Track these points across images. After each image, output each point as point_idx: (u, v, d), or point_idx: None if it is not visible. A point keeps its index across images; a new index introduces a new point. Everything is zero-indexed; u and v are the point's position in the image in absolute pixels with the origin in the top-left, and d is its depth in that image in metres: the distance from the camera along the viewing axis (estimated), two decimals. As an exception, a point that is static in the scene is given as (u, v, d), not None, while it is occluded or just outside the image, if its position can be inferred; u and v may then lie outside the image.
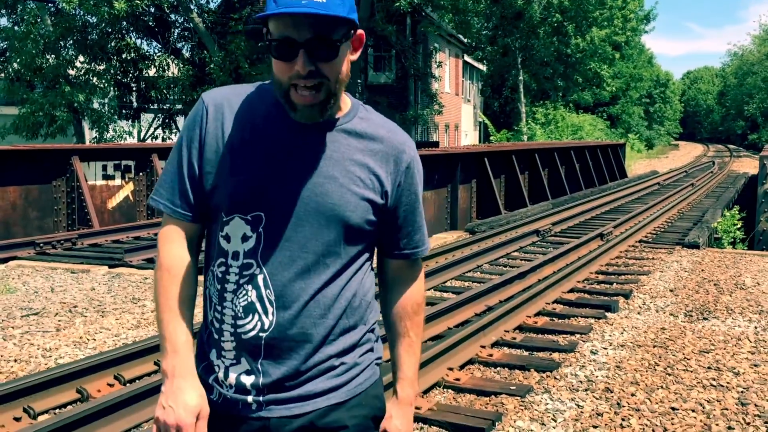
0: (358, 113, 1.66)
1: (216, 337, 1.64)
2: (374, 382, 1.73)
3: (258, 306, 1.59)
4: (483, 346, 5.52)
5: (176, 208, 1.64)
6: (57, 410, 4.30)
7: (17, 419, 4.09)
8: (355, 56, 1.61)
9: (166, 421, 1.56)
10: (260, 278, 1.59)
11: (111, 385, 4.63)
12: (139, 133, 24.08)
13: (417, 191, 1.73)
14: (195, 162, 1.62)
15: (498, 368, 5.20)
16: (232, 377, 1.61)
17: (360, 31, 1.59)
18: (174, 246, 1.65)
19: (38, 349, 5.61)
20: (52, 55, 21.77)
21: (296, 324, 1.59)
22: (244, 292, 1.59)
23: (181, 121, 26.65)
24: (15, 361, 5.32)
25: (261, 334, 1.59)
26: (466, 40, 36.74)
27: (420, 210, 1.76)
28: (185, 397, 1.57)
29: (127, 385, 4.65)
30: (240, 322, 1.60)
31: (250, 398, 1.61)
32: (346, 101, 1.66)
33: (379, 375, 1.75)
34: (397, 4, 21.43)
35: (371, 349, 1.74)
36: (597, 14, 39.87)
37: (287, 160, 1.58)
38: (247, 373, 1.61)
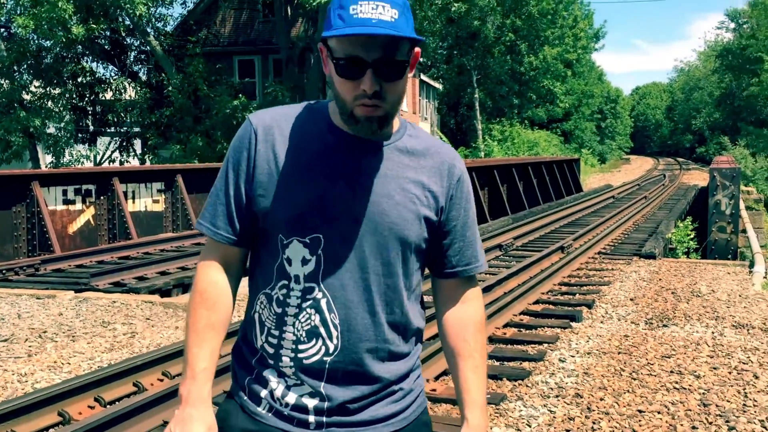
0: (407, 131, 1.67)
1: (271, 361, 1.62)
2: (424, 408, 1.73)
3: (322, 330, 1.57)
4: (455, 358, 5.67)
5: (218, 230, 1.63)
6: (39, 434, 4.32)
7: (0, 444, 4.10)
8: (411, 73, 1.60)
9: None
10: (323, 302, 1.57)
11: (92, 407, 4.65)
12: (95, 156, 23.82)
13: (468, 205, 1.71)
14: (242, 185, 1.61)
15: (471, 378, 5.35)
16: (292, 397, 1.60)
17: (417, 49, 1.58)
18: (211, 270, 1.65)
19: (13, 374, 5.59)
20: (6, 81, 21.50)
21: (360, 347, 1.58)
22: (307, 316, 1.57)
23: (138, 144, 26.46)
24: (-10, 387, 5.30)
25: (325, 359, 1.57)
26: (421, 59, 37.24)
27: (471, 225, 1.72)
28: (192, 426, 1.58)
29: (108, 406, 4.68)
30: (302, 347, 1.58)
31: (311, 418, 1.60)
32: (396, 120, 1.65)
33: (426, 401, 1.76)
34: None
35: (420, 373, 1.74)
36: (549, 33, 40.80)
37: (342, 181, 1.57)
38: (311, 395, 1.59)
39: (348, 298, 1.57)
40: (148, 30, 23.38)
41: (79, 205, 12.89)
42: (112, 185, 13.30)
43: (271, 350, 1.61)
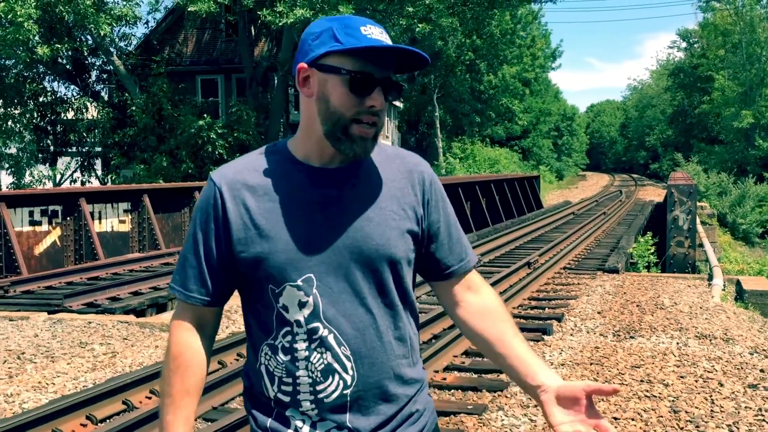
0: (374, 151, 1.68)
1: (289, 406, 1.61)
2: (436, 425, 1.75)
3: (336, 366, 1.57)
4: (436, 371, 5.85)
5: (191, 293, 1.63)
6: (34, 453, 4.37)
7: (-3, 463, 4.15)
8: None
9: None
10: (331, 338, 1.56)
11: (84, 425, 4.72)
12: (55, 177, 23.56)
13: (445, 204, 1.72)
14: (213, 245, 1.60)
15: (452, 390, 5.54)
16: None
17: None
18: (183, 333, 1.64)
19: (-2, 396, 5.61)
20: (-34, 101, 21.24)
21: (375, 371, 1.59)
22: (319, 356, 1.57)
23: (99, 164, 26.21)
24: (-23, 408, 5.32)
25: (345, 392, 1.57)
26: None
27: (454, 222, 1.73)
28: None
29: (100, 424, 4.75)
30: (320, 387, 1.58)
31: None
32: None
33: (436, 416, 1.78)
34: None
35: (427, 391, 1.75)
36: (507, 52, 41.58)
37: (320, 214, 1.57)
38: (338, 428, 1.59)
39: (353, 327, 1.57)
40: (111, 50, 23.29)
41: (45, 226, 12.79)
42: (78, 206, 13.23)
43: (287, 398, 1.61)
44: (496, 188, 22.39)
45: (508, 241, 15.65)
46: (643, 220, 21.58)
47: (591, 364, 6.26)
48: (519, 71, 47.97)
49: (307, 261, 1.56)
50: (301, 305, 1.56)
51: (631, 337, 7.26)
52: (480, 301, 1.73)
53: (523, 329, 7.55)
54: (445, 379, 5.73)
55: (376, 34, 1.53)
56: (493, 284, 9.56)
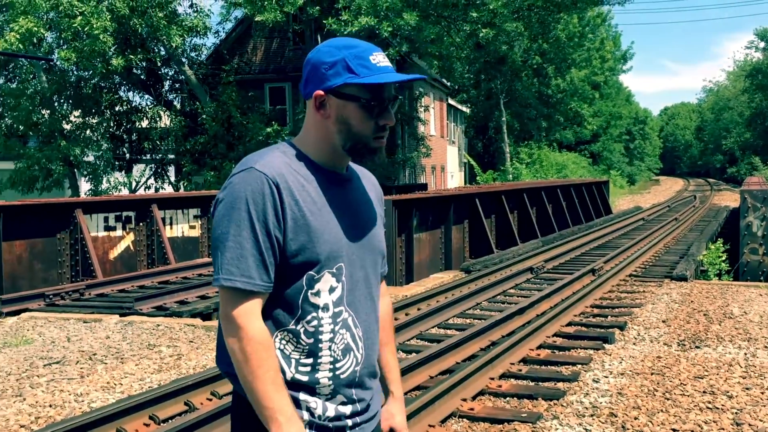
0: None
1: (306, 385, 1.77)
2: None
3: (352, 345, 1.80)
4: (492, 378, 5.84)
5: (254, 281, 1.70)
6: (100, 450, 4.57)
7: (65, 459, 4.36)
8: None
9: None
10: (350, 320, 1.80)
11: (147, 425, 4.91)
12: (131, 183, 24.43)
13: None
14: (273, 234, 1.71)
15: (508, 398, 5.53)
16: (332, 409, 1.79)
17: None
18: (257, 320, 1.71)
19: (69, 394, 5.87)
20: (48, 111, 22.20)
21: (373, 351, 1.88)
22: (341, 337, 1.78)
23: (172, 171, 27.02)
24: (50, 406, 5.58)
25: (356, 369, 1.81)
26: (449, 84, 37.60)
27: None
28: None
29: (162, 424, 4.93)
30: (339, 365, 1.78)
31: (349, 422, 1.82)
32: None
33: None
34: (386, 53, 22.09)
35: None
36: (576, 56, 40.96)
37: (344, 212, 1.81)
38: (343, 404, 1.80)
39: (364, 311, 1.84)
40: (183, 60, 24.00)
41: (119, 232, 13.28)
42: (150, 212, 13.68)
43: (304, 378, 1.76)
44: (563, 194, 22.07)
45: (573, 248, 15.42)
46: (717, 226, 20.92)
47: (652, 374, 6.14)
48: (588, 74, 47.14)
49: (340, 252, 1.78)
50: (331, 290, 1.77)
51: (696, 347, 7.08)
52: (385, 306, 2.05)
53: (583, 337, 7.46)
54: (500, 386, 5.71)
55: (383, 62, 1.78)
56: (555, 291, 9.47)
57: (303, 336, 1.75)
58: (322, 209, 1.77)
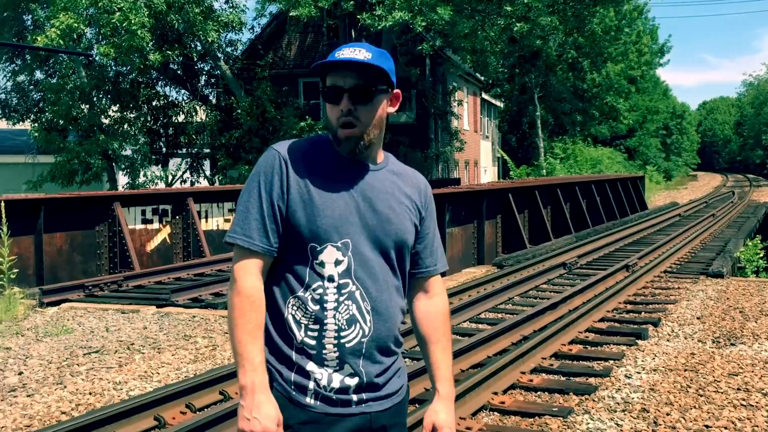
0: (390, 161, 2.10)
1: (313, 352, 1.91)
2: (407, 385, 2.13)
3: (359, 317, 1.92)
4: (523, 372, 5.86)
5: (253, 241, 1.92)
6: (138, 436, 4.70)
7: (105, 444, 4.49)
8: (392, 110, 2.03)
9: (253, 430, 1.84)
10: (357, 293, 1.93)
11: (183, 413, 5.02)
12: (167, 177, 24.77)
13: (433, 218, 2.14)
14: (276, 203, 1.93)
15: (539, 392, 5.54)
16: (337, 381, 1.91)
17: (397, 90, 2.02)
18: (251, 277, 1.91)
19: (108, 382, 6.02)
20: (87, 105, 22.61)
21: (385, 327, 1.97)
22: (346, 307, 1.91)
23: (207, 165, 27.34)
24: (90, 394, 5.74)
25: (363, 340, 1.93)
26: (483, 78, 37.42)
27: (437, 234, 2.16)
28: (266, 409, 1.85)
29: (198, 412, 5.04)
30: (344, 333, 1.91)
31: (355, 397, 1.93)
32: (381, 152, 2.07)
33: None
34: (420, 47, 22.11)
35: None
36: (611, 50, 40.49)
37: (359, 196, 1.96)
38: (351, 375, 1.92)
39: (375, 288, 1.94)
40: (219, 55, 24.25)
41: (156, 224, 13.50)
42: (186, 205, 13.88)
43: (312, 342, 1.91)
44: (597, 189, 21.88)
45: (607, 243, 15.31)
46: (755, 222, 20.58)
47: (685, 370, 6.10)
48: (624, 68, 46.57)
49: (347, 229, 1.92)
50: (337, 263, 1.92)
51: (732, 344, 7.01)
52: (431, 304, 2.15)
53: (616, 333, 7.43)
54: (531, 380, 5.73)
55: (345, 54, 1.91)
56: (588, 287, 9.43)
57: (310, 303, 1.91)
58: (331, 189, 1.93)
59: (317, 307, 1.91)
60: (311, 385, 1.91)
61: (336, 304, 1.91)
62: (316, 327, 1.90)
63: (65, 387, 5.95)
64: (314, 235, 1.91)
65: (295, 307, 1.92)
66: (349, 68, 1.91)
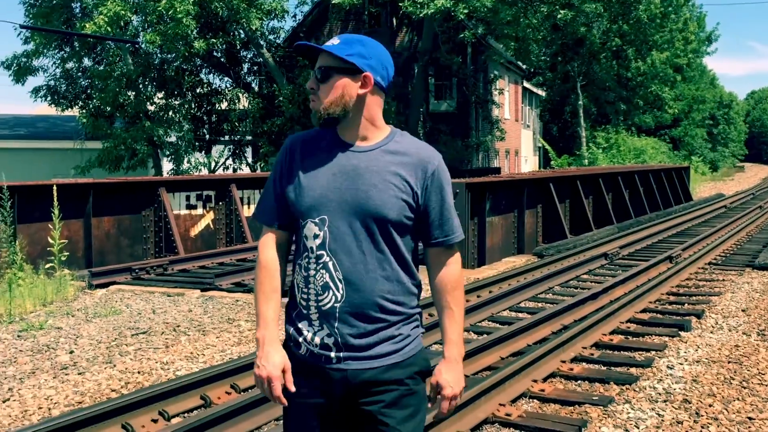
0: (395, 138, 2.24)
1: (305, 312, 2.20)
2: (421, 348, 2.29)
3: (331, 284, 2.15)
4: (563, 361, 5.87)
5: (264, 216, 2.29)
6: (186, 414, 4.84)
7: (154, 421, 4.64)
8: (363, 91, 2.18)
9: (261, 375, 2.18)
10: (330, 264, 2.15)
11: (228, 393, 5.15)
12: (210, 164, 25.13)
13: (443, 193, 2.24)
14: (278, 187, 2.26)
15: (579, 381, 5.55)
16: (318, 339, 2.17)
17: (366, 73, 2.17)
18: (268, 249, 2.27)
19: (156, 362, 6.19)
20: (133, 92, 23.02)
21: (359, 295, 2.15)
22: (321, 275, 2.16)
23: (249, 152, 27.65)
24: (138, 373, 5.91)
25: (336, 305, 2.15)
26: (524, 67, 37.08)
27: (448, 206, 2.25)
28: (273, 358, 2.18)
29: (242, 393, 5.16)
30: (320, 298, 2.16)
31: (332, 354, 2.16)
32: (385, 130, 2.24)
33: (422, 345, 2.31)
34: (462, 35, 22.01)
35: (418, 325, 2.29)
36: (657, 37, 39.72)
37: (342, 176, 2.17)
38: (328, 335, 2.16)
39: (347, 260, 2.14)
40: (261, 43, 24.44)
41: (200, 210, 13.73)
42: (229, 191, 14.09)
43: (304, 302, 2.20)
44: (641, 179, 21.57)
45: (650, 234, 15.12)
46: (804, 215, 20.09)
47: (729, 362, 6.05)
48: (670, 57, 45.65)
49: (325, 206, 2.16)
50: (315, 237, 2.17)
51: (777, 338, 6.91)
52: (444, 272, 2.30)
53: (658, 324, 7.38)
54: (572, 369, 5.74)
55: (329, 42, 2.20)
56: (630, 278, 9.35)
57: (302, 269, 2.20)
58: (319, 170, 2.19)
59: (305, 273, 2.19)
60: (301, 339, 2.20)
61: (315, 272, 2.16)
62: (306, 291, 2.19)
63: (114, 366, 6.14)
64: (299, 212, 2.19)
65: (296, 273, 2.22)
66: (318, 53, 2.19)
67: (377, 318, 2.17)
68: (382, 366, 2.18)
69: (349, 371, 2.16)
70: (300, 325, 2.20)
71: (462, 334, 2.29)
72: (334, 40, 2.19)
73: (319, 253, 2.16)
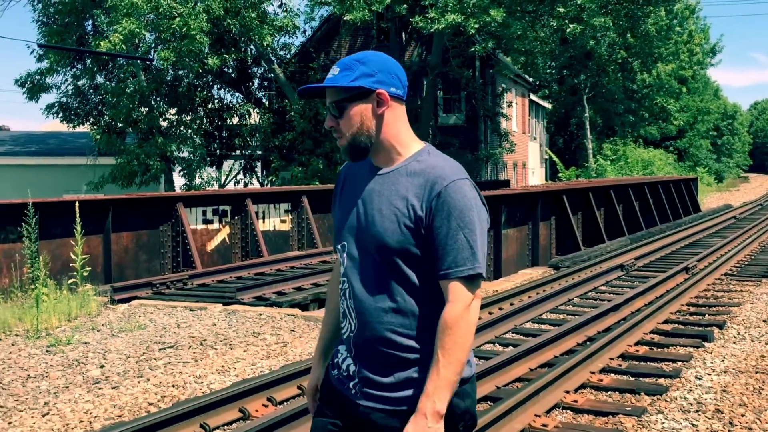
0: (418, 157, 2.07)
1: (344, 336, 2.21)
2: None
3: (347, 312, 2.13)
4: (592, 372, 5.94)
5: (334, 243, 2.26)
6: (225, 427, 4.91)
7: (196, 434, 4.71)
8: (381, 110, 2.06)
9: (305, 388, 2.50)
10: (347, 291, 2.13)
11: (266, 406, 5.22)
12: (221, 178, 25.28)
13: (449, 218, 1.96)
14: (334, 214, 2.28)
15: (609, 392, 5.61)
16: (344, 365, 2.16)
17: (379, 90, 2.04)
18: (336, 269, 2.31)
19: (189, 376, 6.27)
20: (145, 108, 23.21)
21: (368, 327, 2.05)
22: (342, 301, 2.16)
23: (259, 166, 27.79)
24: (173, 386, 5.98)
25: (350, 335, 2.12)
26: (531, 80, 37.26)
27: (453, 234, 1.95)
28: (311, 375, 2.37)
29: (279, 405, 5.24)
30: (342, 325, 2.18)
31: (351, 384, 2.11)
32: (412, 147, 2.09)
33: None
34: (473, 49, 22.17)
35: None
36: (662, 49, 39.92)
37: (362, 201, 2.11)
38: (353, 364, 2.13)
39: (358, 287, 2.07)
40: (272, 58, 24.64)
41: (216, 225, 13.83)
42: (245, 206, 14.19)
43: (342, 327, 2.21)
44: (650, 191, 21.65)
45: (663, 246, 15.17)
46: (815, 225, 20.11)
47: (756, 372, 6.10)
48: (675, 69, 45.84)
49: (345, 234, 2.14)
50: (342, 262, 2.16)
51: (801, 348, 6.96)
52: (443, 311, 1.98)
53: (681, 335, 7.43)
54: (601, 380, 5.80)
55: (330, 72, 2.10)
56: (649, 289, 9.42)
57: (340, 293, 2.22)
58: (351, 198, 2.16)
59: (342, 298, 2.21)
60: (335, 361, 2.21)
61: (341, 298, 2.17)
62: (341, 315, 2.22)
63: (147, 380, 6.21)
64: (335, 239, 2.23)
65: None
66: (324, 90, 2.11)
67: (388, 354, 2.02)
68: (394, 409, 2.02)
69: (362, 406, 2.07)
70: (339, 348, 2.22)
71: (444, 385, 1.93)
72: (334, 70, 2.08)
73: (342, 279, 2.16)
